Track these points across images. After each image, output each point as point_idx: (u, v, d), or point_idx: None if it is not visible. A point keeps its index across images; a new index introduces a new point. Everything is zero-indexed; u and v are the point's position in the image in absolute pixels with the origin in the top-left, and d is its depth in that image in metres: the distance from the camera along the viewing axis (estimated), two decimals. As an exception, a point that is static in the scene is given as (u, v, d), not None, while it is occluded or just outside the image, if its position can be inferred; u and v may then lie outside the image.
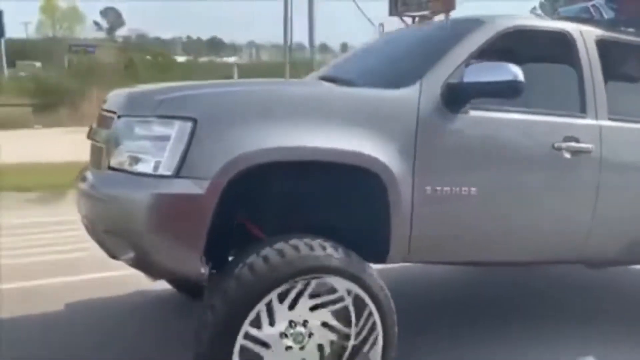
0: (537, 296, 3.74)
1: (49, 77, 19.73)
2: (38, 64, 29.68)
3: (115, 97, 2.47)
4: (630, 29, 3.27)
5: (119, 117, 2.20)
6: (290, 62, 17.49)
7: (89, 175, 2.37)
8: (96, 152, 2.40)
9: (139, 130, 2.10)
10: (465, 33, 2.61)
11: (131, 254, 2.07)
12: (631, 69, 3.16)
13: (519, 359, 2.78)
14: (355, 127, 2.22)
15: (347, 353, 2.13)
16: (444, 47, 2.55)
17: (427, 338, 2.88)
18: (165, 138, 2.02)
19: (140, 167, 2.06)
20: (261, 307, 1.98)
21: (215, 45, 49.78)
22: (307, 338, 2.08)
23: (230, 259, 2.26)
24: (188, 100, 2.10)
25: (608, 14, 3.41)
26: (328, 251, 2.07)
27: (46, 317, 3.16)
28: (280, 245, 2.04)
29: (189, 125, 2.00)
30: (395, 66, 2.72)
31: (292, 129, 2.12)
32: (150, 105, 2.09)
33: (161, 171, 2.00)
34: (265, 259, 2.00)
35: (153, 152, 2.04)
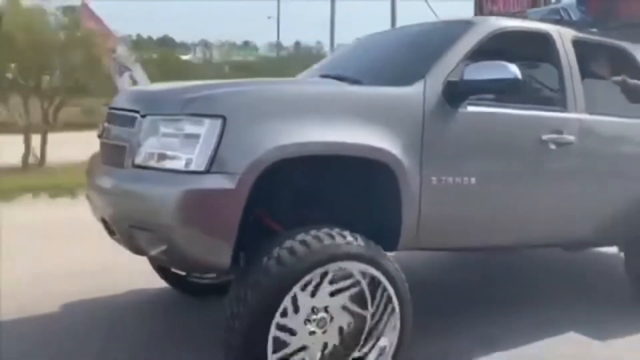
0: (522, 279, 4.01)
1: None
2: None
3: (133, 95, 2.52)
4: (594, 29, 3.56)
5: (143, 116, 2.24)
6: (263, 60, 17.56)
7: (107, 173, 2.40)
8: (114, 151, 2.42)
9: (167, 128, 2.16)
10: (460, 34, 2.80)
11: (162, 248, 2.13)
12: (601, 66, 3.44)
13: (509, 331, 3.00)
14: (370, 122, 2.36)
15: (365, 332, 2.25)
16: (442, 47, 2.73)
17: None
18: (195, 135, 2.09)
19: (171, 164, 2.12)
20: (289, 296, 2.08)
21: (166, 44, 49.03)
22: (328, 322, 2.20)
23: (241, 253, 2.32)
24: (217, 98, 2.17)
25: (576, 16, 3.70)
26: (348, 239, 2.19)
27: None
28: (302, 236, 2.14)
29: (218, 122, 2.08)
30: (398, 65, 2.87)
31: (316, 125, 2.24)
32: (179, 104, 2.16)
33: (193, 167, 2.07)
34: (291, 250, 2.09)
35: (184, 149, 2.10)
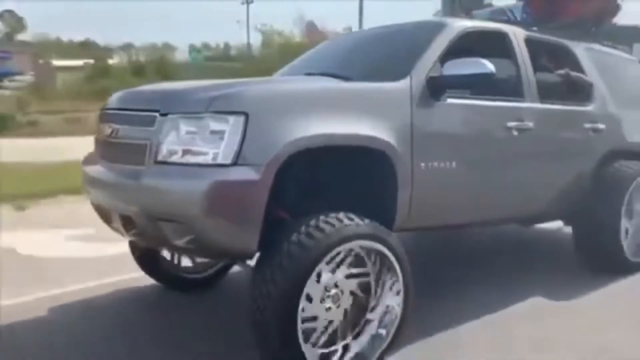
0: (485, 255, 4.43)
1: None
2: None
3: (148, 95, 2.64)
4: (535, 28, 4.00)
5: (163, 114, 2.38)
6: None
7: (123, 171, 2.51)
8: (128, 149, 2.53)
9: (191, 125, 2.31)
10: (434, 34, 3.13)
11: (189, 237, 2.28)
12: (548, 61, 3.89)
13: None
14: (368, 114, 2.63)
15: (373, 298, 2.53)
16: (421, 46, 3.04)
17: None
18: (220, 131, 2.26)
19: (196, 159, 2.28)
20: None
21: (88, 47, 47.21)
22: (341, 296, 2.45)
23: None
24: (239, 96, 2.35)
25: (520, 17, 4.14)
26: (356, 221, 2.44)
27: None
28: (315, 222, 2.35)
29: (241, 119, 2.26)
30: (383, 62, 3.14)
31: (326, 119, 2.47)
32: (203, 103, 2.32)
33: (220, 161, 2.24)
34: (309, 234, 2.30)
35: (209, 144, 2.26)
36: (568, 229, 4.19)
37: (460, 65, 2.83)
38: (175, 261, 3.69)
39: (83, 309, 3.35)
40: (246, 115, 2.28)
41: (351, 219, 2.43)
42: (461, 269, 4.05)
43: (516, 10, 4.27)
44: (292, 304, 2.25)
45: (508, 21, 4.07)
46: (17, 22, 60.36)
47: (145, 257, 3.61)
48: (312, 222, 2.36)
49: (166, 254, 3.63)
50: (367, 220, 2.48)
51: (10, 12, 61.19)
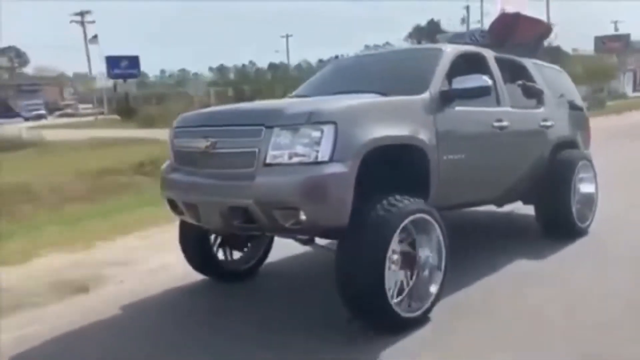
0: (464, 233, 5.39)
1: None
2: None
3: (248, 113, 3.37)
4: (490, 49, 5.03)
5: (269, 127, 3.07)
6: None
7: (231, 175, 3.17)
8: (232, 157, 3.20)
9: (295, 135, 3.02)
10: (438, 57, 4.05)
11: (301, 218, 2.98)
12: (510, 74, 4.92)
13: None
14: (409, 120, 3.48)
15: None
16: (431, 66, 3.94)
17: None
18: (318, 137, 3.00)
19: (302, 159, 3.00)
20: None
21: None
22: (400, 258, 3.24)
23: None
24: (329, 111, 3.10)
25: (482, 40, 5.17)
26: (413, 200, 3.25)
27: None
28: (387, 201, 3.14)
29: (332, 127, 3.02)
30: (404, 80, 3.97)
31: (386, 125, 3.28)
32: (303, 117, 3.05)
33: (320, 159, 2.98)
34: (388, 209, 3.10)
35: (310, 147, 3.00)
36: (517, 211, 5.26)
37: (467, 80, 3.75)
38: (228, 258, 4.32)
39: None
40: (335, 124, 3.03)
41: (409, 199, 3.23)
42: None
43: (476, 34, 5.31)
44: (381, 265, 3.01)
45: (467, 43, 5.07)
46: (19, 57, 62.21)
47: (199, 256, 4.22)
48: (384, 201, 3.12)
49: (220, 254, 4.27)
50: (418, 199, 3.30)
51: (12, 47, 62.20)
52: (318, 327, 3.32)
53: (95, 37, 45.84)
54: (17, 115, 44.60)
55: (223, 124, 3.39)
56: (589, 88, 30.02)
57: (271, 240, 4.54)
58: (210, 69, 73.01)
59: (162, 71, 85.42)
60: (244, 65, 74.66)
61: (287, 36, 67.19)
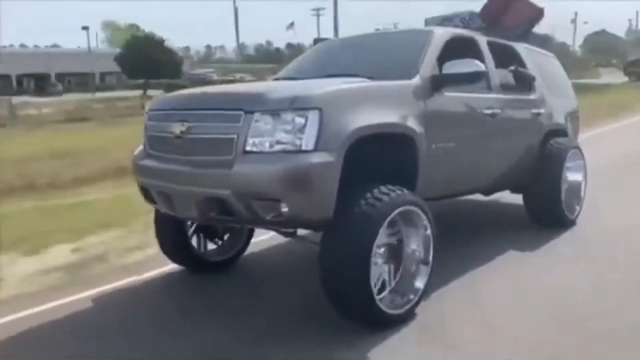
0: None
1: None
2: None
3: (228, 97, 3.10)
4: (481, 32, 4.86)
5: (248, 112, 2.85)
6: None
7: (203, 162, 2.95)
8: (209, 144, 2.96)
9: (276, 120, 2.80)
10: (428, 40, 3.84)
11: (282, 210, 2.78)
12: (502, 59, 4.74)
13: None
14: (398, 106, 3.27)
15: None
16: (420, 50, 3.73)
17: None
18: (302, 124, 2.78)
19: (285, 147, 2.78)
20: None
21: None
22: (385, 251, 3.07)
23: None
24: (314, 96, 2.87)
25: (474, 24, 4.97)
26: (400, 191, 3.07)
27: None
28: (373, 193, 2.95)
29: (317, 113, 2.80)
30: (393, 64, 3.75)
31: (375, 112, 3.08)
32: (285, 102, 2.82)
33: (304, 148, 2.77)
34: (375, 201, 2.91)
35: (294, 135, 2.78)
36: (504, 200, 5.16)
37: (459, 65, 3.55)
38: (202, 248, 4.12)
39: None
40: (321, 110, 2.82)
41: (397, 190, 3.05)
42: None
43: (464, 17, 5.11)
44: (366, 260, 2.83)
45: (456, 26, 4.88)
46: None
47: (174, 247, 4.01)
48: (371, 193, 2.94)
49: (194, 242, 4.06)
50: (406, 190, 3.12)
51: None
52: (299, 322, 3.16)
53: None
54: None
55: (200, 107, 3.16)
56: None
57: (252, 231, 4.34)
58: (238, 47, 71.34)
59: (186, 48, 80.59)
60: (262, 45, 73.79)
61: (318, 10, 61.08)
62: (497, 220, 5.35)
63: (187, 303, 3.61)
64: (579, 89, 6.81)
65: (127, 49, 43.30)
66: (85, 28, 54.43)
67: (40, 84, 49.96)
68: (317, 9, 55.32)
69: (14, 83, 50.63)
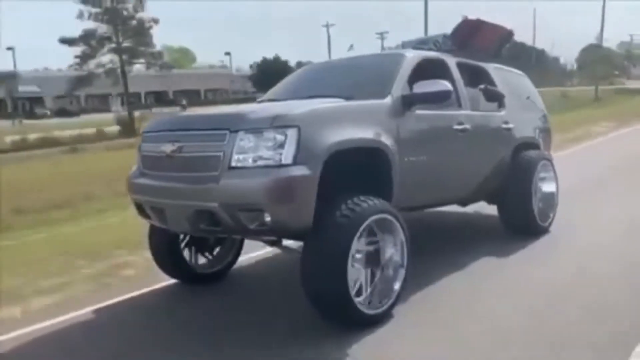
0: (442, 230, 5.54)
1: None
2: None
3: (214, 119, 3.42)
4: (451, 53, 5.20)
5: (233, 131, 3.14)
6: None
7: (197, 179, 3.22)
8: (197, 161, 3.25)
9: (258, 138, 3.09)
10: (400, 62, 4.17)
11: (262, 221, 3.06)
12: (471, 78, 5.08)
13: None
14: (372, 123, 3.58)
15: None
16: (393, 72, 4.06)
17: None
18: (282, 141, 3.08)
19: (265, 162, 3.07)
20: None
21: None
22: (363, 256, 3.34)
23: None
24: (292, 115, 3.18)
25: (446, 46, 5.32)
26: (375, 201, 3.36)
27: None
28: (349, 203, 3.23)
29: (295, 130, 3.10)
30: (367, 85, 4.07)
31: (349, 129, 3.38)
32: (267, 121, 3.12)
33: (284, 162, 3.06)
34: (351, 209, 3.18)
35: (274, 151, 3.07)
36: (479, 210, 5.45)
37: (427, 85, 3.87)
38: (193, 261, 4.37)
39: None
40: (299, 127, 3.12)
41: (372, 200, 3.34)
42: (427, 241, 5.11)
43: (439, 40, 5.47)
44: (343, 264, 3.10)
45: (430, 49, 5.22)
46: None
47: (168, 260, 4.26)
48: (348, 203, 3.21)
49: (186, 255, 4.32)
50: (381, 200, 3.41)
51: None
52: (287, 327, 3.41)
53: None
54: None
55: (189, 128, 3.45)
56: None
57: (241, 244, 4.61)
58: (251, 66, 75.92)
59: (211, 66, 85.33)
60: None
61: (328, 25, 65.65)
62: (474, 230, 5.65)
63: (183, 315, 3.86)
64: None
65: (259, 69, 52.14)
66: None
67: (158, 99, 64.38)
68: (382, 33, 58.12)
69: (143, 99, 63.64)
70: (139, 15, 30.67)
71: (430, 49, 5.16)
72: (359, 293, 3.28)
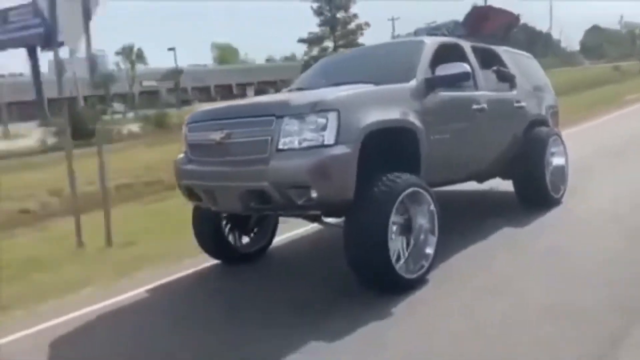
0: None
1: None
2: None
3: (260, 107, 3.76)
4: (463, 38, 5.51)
5: (279, 117, 3.46)
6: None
7: (246, 161, 3.55)
8: (247, 145, 3.58)
9: (303, 122, 3.42)
10: (421, 48, 4.49)
11: (312, 195, 3.38)
12: (485, 61, 5.38)
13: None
14: (401, 105, 3.91)
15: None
16: (416, 57, 4.38)
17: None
18: (323, 123, 3.40)
19: (309, 144, 3.39)
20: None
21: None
22: (399, 229, 3.67)
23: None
24: (332, 100, 3.51)
25: (457, 31, 5.62)
26: (408, 176, 3.68)
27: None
28: (385, 179, 3.57)
29: (336, 114, 3.43)
30: (393, 71, 4.39)
31: (381, 111, 3.70)
32: (308, 106, 3.45)
33: (326, 143, 3.39)
34: (388, 185, 3.52)
35: (317, 133, 3.40)
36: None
37: (448, 68, 4.19)
38: (237, 242, 4.70)
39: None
40: (338, 111, 3.45)
41: (405, 175, 3.67)
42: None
43: (452, 27, 5.77)
44: (384, 233, 3.43)
45: (443, 35, 5.53)
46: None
47: (213, 242, 4.60)
48: (384, 178, 3.55)
49: (230, 238, 4.65)
50: (413, 175, 3.74)
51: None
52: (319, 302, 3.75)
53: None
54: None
55: (236, 116, 3.78)
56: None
57: (275, 225, 4.94)
58: (268, 60, 79.33)
59: (222, 62, 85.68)
60: (286, 58, 78.52)
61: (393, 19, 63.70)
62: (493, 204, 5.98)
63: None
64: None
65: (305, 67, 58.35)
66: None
67: (225, 92, 67.40)
68: (393, 19, 59.92)
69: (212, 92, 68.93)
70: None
71: (443, 34, 5.46)
72: (397, 259, 3.61)
